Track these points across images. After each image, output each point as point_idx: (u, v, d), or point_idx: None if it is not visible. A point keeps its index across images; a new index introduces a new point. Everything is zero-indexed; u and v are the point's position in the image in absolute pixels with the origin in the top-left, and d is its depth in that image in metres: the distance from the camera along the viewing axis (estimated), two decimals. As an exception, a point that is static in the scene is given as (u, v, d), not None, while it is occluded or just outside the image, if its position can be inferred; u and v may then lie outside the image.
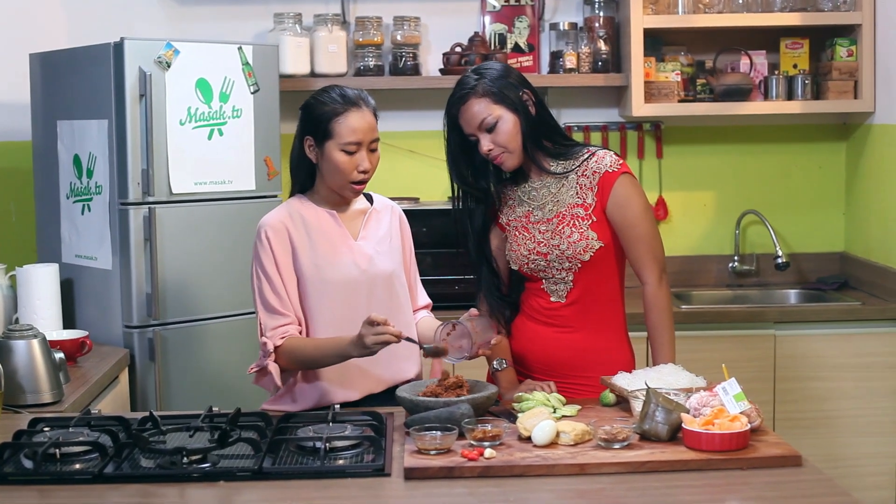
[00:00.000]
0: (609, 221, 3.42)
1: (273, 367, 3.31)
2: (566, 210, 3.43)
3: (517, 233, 3.50)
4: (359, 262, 3.43)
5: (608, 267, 3.46)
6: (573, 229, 3.41)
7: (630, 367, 3.47)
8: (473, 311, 3.29)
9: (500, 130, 3.37)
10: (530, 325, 3.54)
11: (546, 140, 3.46)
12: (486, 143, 3.39)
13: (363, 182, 3.41)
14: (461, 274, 3.75)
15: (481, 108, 3.38)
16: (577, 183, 3.44)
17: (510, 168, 3.45)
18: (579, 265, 3.42)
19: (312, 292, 3.40)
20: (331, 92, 3.41)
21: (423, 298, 3.71)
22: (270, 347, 3.32)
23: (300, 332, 3.39)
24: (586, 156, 3.46)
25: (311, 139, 3.40)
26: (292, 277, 3.41)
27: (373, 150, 3.40)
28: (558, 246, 3.41)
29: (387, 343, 3.13)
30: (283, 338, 3.34)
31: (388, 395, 3.39)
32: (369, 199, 3.60)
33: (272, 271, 3.38)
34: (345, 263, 3.42)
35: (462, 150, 3.48)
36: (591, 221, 3.41)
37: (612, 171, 3.41)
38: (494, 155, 3.40)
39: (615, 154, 3.48)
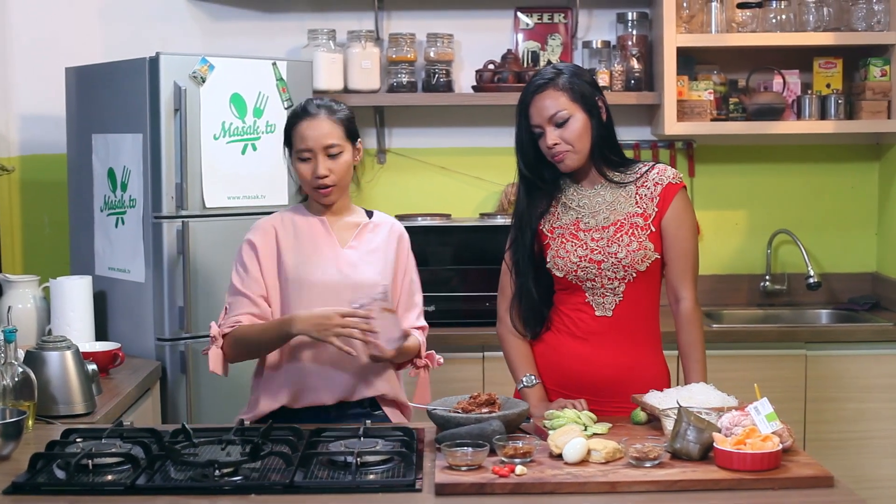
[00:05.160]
0: (661, 233, 3.42)
1: (213, 353, 3.46)
2: (624, 218, 3.42)
3: (564, 240, 3.46)
4: (342, 268, 3.52)
5: (655, 281, 3.46)
6: (632, 238, 3.39)
7: (666, 383, 3.47)
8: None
9: (570, 128, 3.36)
10: (570, 342, 3.50)
11: (609, 151, 3.46)
12: (552, 137, 3.36)
13: (326, 187, 3.50)
14: (491, 290, 3.75)
15: (557, 102, 3.36)
16: (637, 193, 3.43)
17: (569, 169, 3.42)
18: (634, 275, 3.40)
19: (293, 293, 3.50)
20: (300, 103, 3.61)
21: (418, 321, 3.66)
22: (214, 332, 3.47)
23: None
24: (645, 169, 3.46)
25: (287, 150, 3.59)
26: (273, 276, 3.53)
27: (332, 156, 3.49)
28: (615, 254, 3.39)
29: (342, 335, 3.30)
30: (231, 327, 3.46)
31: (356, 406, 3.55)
32: (371, 215, 3.67)
33: (251, 263, 3.53)
34: (327, 267, 3.51)
35: (531, 140, 3.44)
36: (649, 231, 3.40)
37: (675, 184, 3.42)
38: (558, 151, 3.37)
39: (675, 169, 3.49)
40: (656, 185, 3.42)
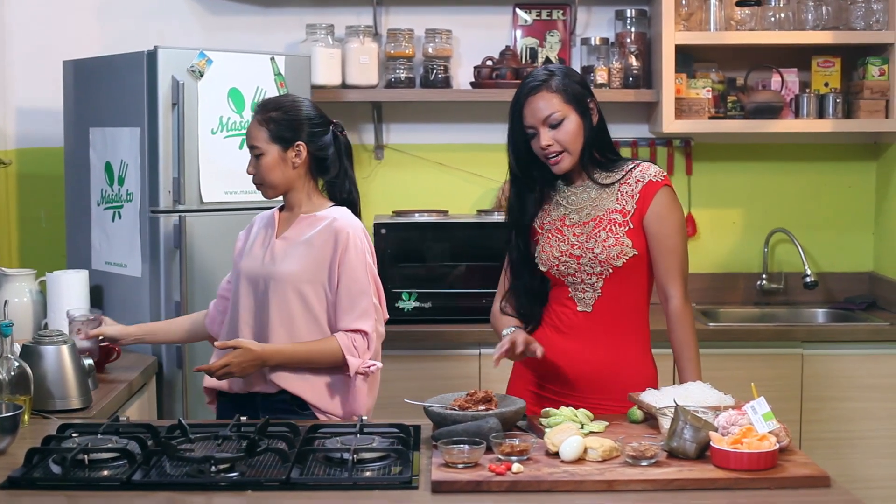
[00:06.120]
0: (644, 231, 3.42)
1: None
2: (603, 214, 3.42)
3: (550, 236, 3.48)
4: (265, 258, 3.59)
5: (638, 278, 3.46)
6: (609, 234, 3.40)
7: (651, 382, 3.46)
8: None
9: (564, 129, 3.37)
10: (554, 336, 3.51)
11: (598, 152, 3.47)
12: (545, 139, 3.37)
13: (257, 185, 3.65)
14: (488, 287, 3.74)
15: (551, 103, 3.37)
16: (619, 190, 3.43)
17: (562, 170, 3.43)
18: (611, 270, 3.41)
19: (235, 280, 3.67)
20: None
21: (355, 323, 3.51)
22: None
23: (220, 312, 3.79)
24: (630, 167, 3.46)
25: None
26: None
27: (256, 157, 3.60)
28: (592, 249, 3.40)
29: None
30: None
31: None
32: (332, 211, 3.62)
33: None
34: (256, 256, 3.62)
35: (524, 140, 3.45)
36: (627, 228, 3.40)
37: (656, 182, 3.41)
38: (552, 152, 3.39)
39: (659, 167, 3.48)
40: (637, 183, 3.43)
